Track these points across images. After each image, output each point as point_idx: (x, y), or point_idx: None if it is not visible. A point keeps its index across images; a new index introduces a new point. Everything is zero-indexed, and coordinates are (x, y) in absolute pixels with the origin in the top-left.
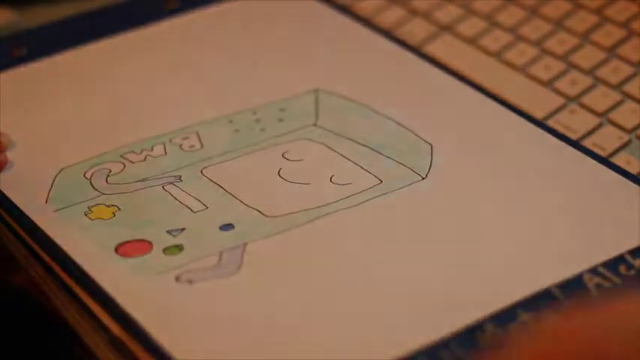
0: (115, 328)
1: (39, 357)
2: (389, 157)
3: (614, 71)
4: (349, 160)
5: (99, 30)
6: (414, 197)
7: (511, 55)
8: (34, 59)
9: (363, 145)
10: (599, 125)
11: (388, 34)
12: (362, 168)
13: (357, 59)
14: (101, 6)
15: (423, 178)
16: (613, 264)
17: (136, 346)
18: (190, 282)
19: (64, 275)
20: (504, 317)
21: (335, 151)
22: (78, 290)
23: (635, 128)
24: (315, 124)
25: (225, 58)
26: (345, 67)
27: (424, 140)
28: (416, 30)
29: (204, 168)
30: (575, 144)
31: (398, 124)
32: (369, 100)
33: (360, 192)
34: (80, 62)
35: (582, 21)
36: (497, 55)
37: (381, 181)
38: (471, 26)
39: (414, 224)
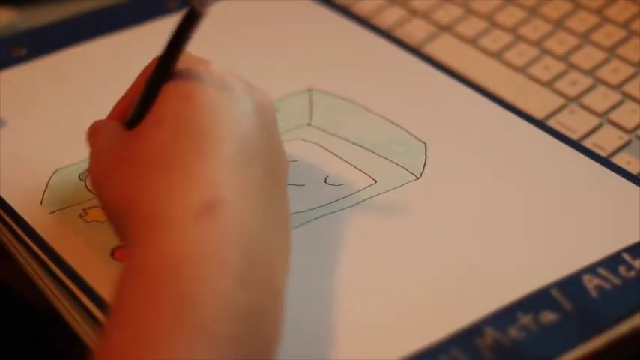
0: None
1: (39, 357)
2: (383, 157)
3: (614, 71)
4: (344, 160)
5: (99, 31)
6: (408, 197)
7: (511, 55)
8: (34, 59)
9: (358, 145)
10: (599, 125)
11: (385, 33)
12: (356, 168)
13: (352, 59)
14: (101, 6)
15: (418, 178)
16: (612, 265)
17: None
18: None
19: (61, 276)
20: (503, 319)
21: (329, 152)
22: (77, 292)
23: (635, 128)
24: (309, 124)
25: (221, 58)
26: (340, 66)
27: (418, 139)
28: (416, 30)
29: None
30: (575, 144)
31: (392, 123)
32: (363, 100)
33: (355, 193)
34: (77, 62)
35: (582, 21)
36: (497, 55)
37: (376, 181)
38: (470, 26)
39: (409, 224)
